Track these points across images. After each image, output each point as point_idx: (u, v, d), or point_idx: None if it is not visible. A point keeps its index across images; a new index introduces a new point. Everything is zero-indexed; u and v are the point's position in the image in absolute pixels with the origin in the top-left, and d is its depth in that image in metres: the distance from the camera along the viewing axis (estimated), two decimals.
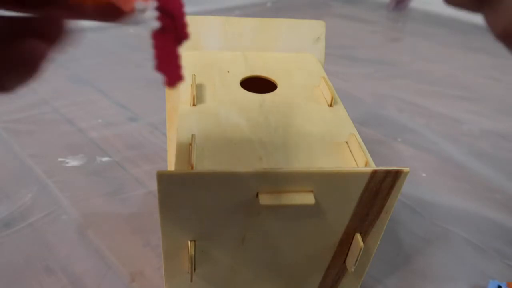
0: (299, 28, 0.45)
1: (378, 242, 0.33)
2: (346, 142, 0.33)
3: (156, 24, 0.18)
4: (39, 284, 0.39)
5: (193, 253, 0.30)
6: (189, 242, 0.30)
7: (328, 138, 0.33)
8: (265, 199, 0.28)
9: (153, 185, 0.54)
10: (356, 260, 0.32)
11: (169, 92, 0.47)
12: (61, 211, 0.48)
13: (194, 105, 0.35)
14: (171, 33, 0.18)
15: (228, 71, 0.41)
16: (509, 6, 0.14)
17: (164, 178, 0.26)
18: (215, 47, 0.46)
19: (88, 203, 0.49)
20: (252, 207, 0.29)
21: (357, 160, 0.31)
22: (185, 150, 0.31)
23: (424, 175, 0.58)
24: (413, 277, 0.43)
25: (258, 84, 0.41)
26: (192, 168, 0.29)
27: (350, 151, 0.32)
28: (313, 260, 0.34)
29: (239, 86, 0.39)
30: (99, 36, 0.93)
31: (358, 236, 0.32)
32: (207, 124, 0.33)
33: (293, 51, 0.45)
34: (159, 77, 0.18)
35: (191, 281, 0.32)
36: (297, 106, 0.37)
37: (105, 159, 0.57)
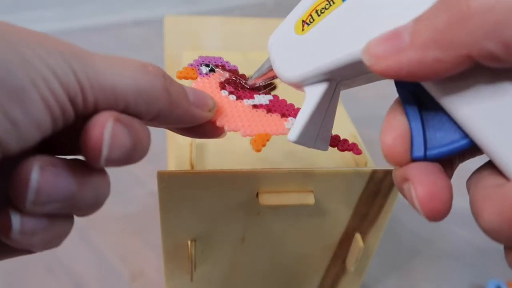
0: None
1: (378, 242, 0.33)
2: None
3: None
4: (40, 284, 0.39)
5: (193, 252, 0.30)
6: (189, 242, 0.30)
7: None
8: (265, 199, 0.28)
9: (154, 185, 0.53)
10: (356, 260, 0.32)
11: None
12: None
13: None
14: None
15: None
16: None
17: (164, 178, 0.26)
18: (215, 47, 0.46)
19: None
20: (252, 207, 0.29)
21: (357, 160, 0.31)
22: (185, 150, 0.31)
23: None
24: (413, 277, 0.43)
25: None
26: (192, 168, 0.29)
27: None
28: (313, 260, 0.34)
29: None
30: (99, 36, 0.93)
31: (358, 236, 0.32)
32: None
33: None
34: None
35: (191, 280, 0.32)
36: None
37: None
